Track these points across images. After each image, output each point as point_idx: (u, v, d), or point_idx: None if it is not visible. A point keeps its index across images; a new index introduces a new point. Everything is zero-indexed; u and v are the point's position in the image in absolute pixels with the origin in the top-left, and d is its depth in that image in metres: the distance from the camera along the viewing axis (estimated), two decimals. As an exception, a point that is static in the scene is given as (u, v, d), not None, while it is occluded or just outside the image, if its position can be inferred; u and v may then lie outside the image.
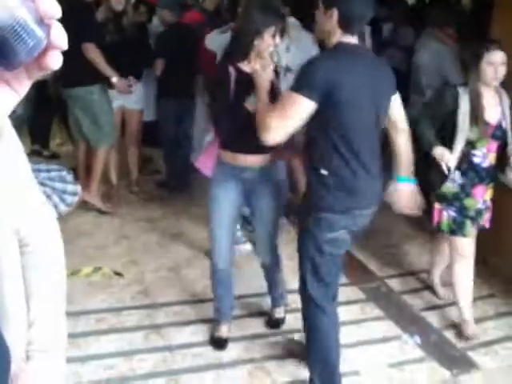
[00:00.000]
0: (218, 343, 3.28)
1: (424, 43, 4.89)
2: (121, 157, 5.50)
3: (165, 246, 4.49)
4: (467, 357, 3.30)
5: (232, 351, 3.25)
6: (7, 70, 0.59)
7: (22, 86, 0.65)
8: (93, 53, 4.53)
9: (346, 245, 2.78)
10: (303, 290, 2.77)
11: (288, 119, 2.45)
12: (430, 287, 4.01)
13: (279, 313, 3.48)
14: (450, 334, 3.47)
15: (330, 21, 2.48)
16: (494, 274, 4.09)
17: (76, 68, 4.47)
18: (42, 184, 3.92)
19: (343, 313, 3.63)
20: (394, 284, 4.05)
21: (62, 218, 4.30)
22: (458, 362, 3.27)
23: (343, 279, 4.06)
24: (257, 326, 3.48)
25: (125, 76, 4.98)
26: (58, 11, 0.58)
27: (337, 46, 2.52)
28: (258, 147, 2.67)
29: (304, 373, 3.00)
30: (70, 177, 4.12)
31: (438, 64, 4.75)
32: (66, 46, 0.61)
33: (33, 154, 6.25)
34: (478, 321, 3.61)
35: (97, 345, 3.24)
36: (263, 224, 3.16)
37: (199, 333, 3.39)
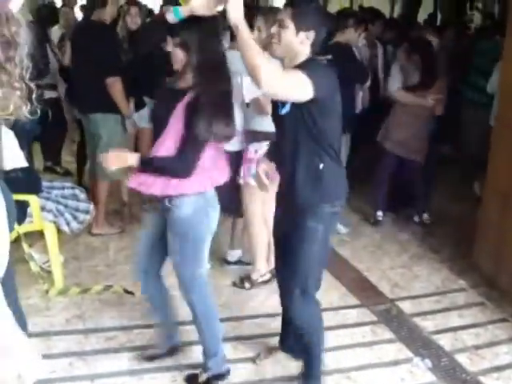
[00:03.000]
0: None
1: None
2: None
3: (175, 264, 4.48)
4: (479, 381, 3.26)
5: (241, 371, 3.24)
6: None
7: None
8: (117, 89, 4.58)
9: None
10: None
11: None
12: (441, 310, 3.99)
13: None
14: (461, 358, 3.44)
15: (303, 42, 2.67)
16: (506, 297, 4.06)
17: (102, 94, 4.52)
18: (56, 201, 3.95)
19: (354, 335, 3.63)
20: (405, 306, 4.02)
21: (74, 236, 4.33)
22: (469, 386, 3.24)
23: (354, 301, 4.05)
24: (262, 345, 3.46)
25: (138, 95, 5.02)
26: None
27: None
28: None
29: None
30: (82, 195, 4.15)
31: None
32: None
33: (46, 171, 6.32)
34: (489, 345, 3.59)
35: (107, 363, 3.23)
36: None
37: (209, 353, 3.37)
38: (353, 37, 5.13)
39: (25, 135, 4.63)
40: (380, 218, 5.48)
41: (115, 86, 4.56)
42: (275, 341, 3.45)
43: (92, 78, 4.54)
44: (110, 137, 4.72)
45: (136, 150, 5.39)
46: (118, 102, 4.63)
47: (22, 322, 1.32)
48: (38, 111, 1.21)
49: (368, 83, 5.54)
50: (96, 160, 4.80)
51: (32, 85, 1.23)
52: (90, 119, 4.78)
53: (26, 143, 4.96)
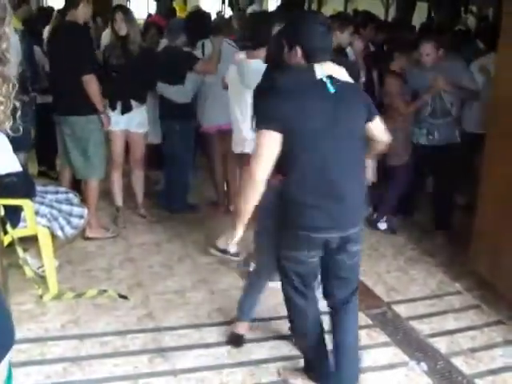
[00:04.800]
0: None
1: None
2: (127, 180, 5.51)
3: (170, 269, 4.47)
4: (475, 384, 3.26)
5: (237, 375, 3.22)
6: None
7: None
8: (93, 87, 4.57)
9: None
10: None
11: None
12: (437, 313, 3.99)
13: None
14: (457, 361, 3.43)
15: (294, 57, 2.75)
16: (501, 300, 4.05)
17: (79, 96, 4.53)
18: (50, 206, 3.93)
19: (349, 338, 3.61)
20: (401, 309, 4.01)
21: (68, 241, 4.31)
22: (465, 389, 3.23)
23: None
24: (262, 351, 3.45)
25: (127, 99, 5.02)
26: None
27: None
28: None
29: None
30: (76, 199, 4.13)
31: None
32: None
33: (40, 176, 6.30)
34: (485, 348, 3.58)
35: (101, 368, 3.21)
36: None
37: (204, 357, 3.36)
38: (340, 38, 5.13)
39: (24, 142, 4.64)
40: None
41: (91, 83, 4.56)
42: (272, 344, 3.46)
43: (67, 79, 4.56)
44: (86, 138, 4.71)
45: (127, 153, 5.40)
46: (94, 99, 4.62)
47: None
48: (21, 129, 1.20)
49: (362, 79, 5.49)
50: (77, 159, 4.80)
51: (17, 103, 1.23)
52: (67, 121, 4.76)
53: (25, 150, 4.99)
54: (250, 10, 5.88)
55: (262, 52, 3.93)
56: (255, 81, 3.93)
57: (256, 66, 3.94)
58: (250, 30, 4.26)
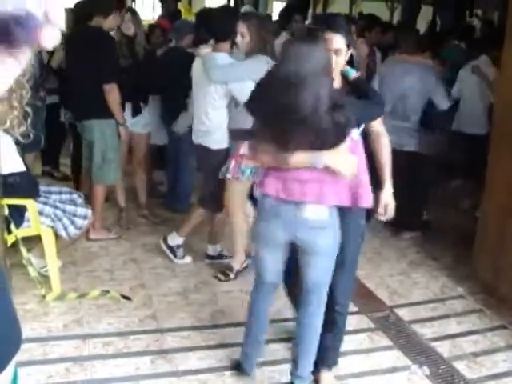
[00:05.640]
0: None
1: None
2: (130, 180, 5.52)
3: (173, 270, 4.48)
4: (477, 389, 3.26)
5: (239, 378, 3.22)
6: (11, 48, 0.61)
7: (25, 57, 0.68)
8: (114, 97, 4.58)
9: None
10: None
11: None
12: (439, 317, 3.98)
13: None
14: (459, 365, 3.43)
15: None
16: (505, 305, 4.05)
17: (98, 100, 4.53)
18: (54, 206, 3.94)
19: (351, 342, 3.61)
20: (403, 313, 4.01)
21: (72, 241, 4.32)
22: (467, 394, 3.23)
23: (352, 308, 4.03)
24: (264, 353, 3.44)
25: (133, 100, 5.03)
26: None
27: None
28: None
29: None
30: (80, 200, 4.14)
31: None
32: (62, 25, 0.64)
33: (44, 176, 6.30)
34: (488, 352, 3.58)
35: (103, 369, 3.21)
36: None
37: (206, 359, 3.36)
38: None
39: (35, 143, 4.65)
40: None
41: (113, 93, 4.56)
42: (275, 347, 3.45)
43: (88, 84, 4.56)
44: (105, 142, 4.72)
45: (130, 154, 5.41)
46: (114, 109, 4.63)
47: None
48: (31, 135, 1.21)
49: None
50: (92, 164, 4.81)
51: (28, 109, 1.24)
52: (84, 125, 4.77)
53: (35, 151, 4.99)
54: (242, 9, 5.89)
55: (227, 45, 4.02)
56: (219, 75, 3.94)
57: (220, 59, 3.98)
58: (215, 24, 4.25)
